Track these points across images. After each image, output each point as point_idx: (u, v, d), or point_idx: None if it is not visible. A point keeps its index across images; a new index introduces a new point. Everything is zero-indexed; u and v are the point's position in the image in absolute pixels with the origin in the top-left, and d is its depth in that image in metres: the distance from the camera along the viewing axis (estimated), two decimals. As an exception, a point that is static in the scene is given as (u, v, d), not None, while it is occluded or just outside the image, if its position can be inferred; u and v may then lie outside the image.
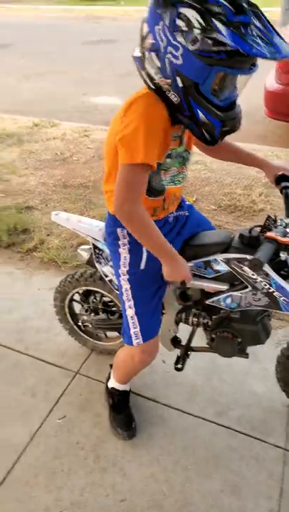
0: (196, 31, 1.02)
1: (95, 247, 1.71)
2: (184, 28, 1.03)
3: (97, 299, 1.96)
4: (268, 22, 1.04)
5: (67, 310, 2.05)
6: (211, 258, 1.46)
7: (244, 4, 1.02)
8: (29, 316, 2.35)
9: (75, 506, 1.52)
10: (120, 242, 1.46)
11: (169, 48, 1.07)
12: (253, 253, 1.37)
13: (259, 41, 1.00)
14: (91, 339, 2.10)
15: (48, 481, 1.60)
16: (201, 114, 1.14)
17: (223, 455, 1.67)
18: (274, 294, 1.36)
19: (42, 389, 1.95)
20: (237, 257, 1.40)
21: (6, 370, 2.05)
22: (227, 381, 1.96)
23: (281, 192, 1.47)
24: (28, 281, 2.63)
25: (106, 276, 1.70)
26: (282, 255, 1.29)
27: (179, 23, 1.03)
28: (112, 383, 1.76)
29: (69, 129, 4.86)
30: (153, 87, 1.16)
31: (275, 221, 1.38)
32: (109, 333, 2.08)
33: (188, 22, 1.02)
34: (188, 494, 1.55)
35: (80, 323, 2.04)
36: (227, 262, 1.42)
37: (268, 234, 1.24)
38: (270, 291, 1.36)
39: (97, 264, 1.72)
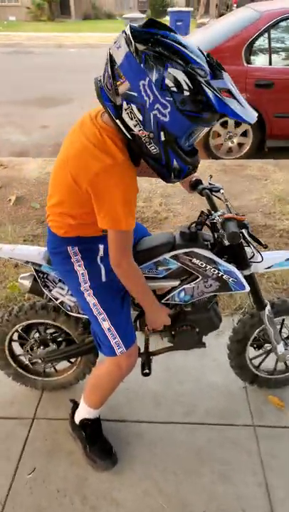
0: (186, 93, 1.07)
1: (37, 272, 1.65)
2: (174, 89, 1.07)
3: (41, 331, 1.87)
4: (234, 85, 1.16)
5: (7, 353, 1.90)
6: (160, 258, 1.57)
7: (218, 69, 1.14)
8: None
9: None
10: (73, 260, 1.45)
11: (157, 105, 1.08)
12: (196, 246, 1.55)
13: (236, 105, 1.11)
14: (40, 378, 1.98)
15: (39, 540, 1.46)
16: (175, 163, 1.20)
17: (203, 450, 1.73)
18: (223, 277, 1.54)
19: (0, 448, 1.76)
20: (185, 252, 1.54)
21: None
22: (185, 381, 2.04)
23: (201, 194, 1.67)
24: None
25: (56, 299, 1.66)
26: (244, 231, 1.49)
27: (168, 82, 1.06)
28: (83, 414, 1.69)
29: None
30: (129, 136, 1.17)
31: (208, 215, 1.56)
32: (59, 366, 1.99)
33: (177, 83, 1.06)
34: (184, 497, 1.57)
35: (26, 363, 1.91)
36: (176, 258, 1.55)
37: (227, 215, 1.45)
38: (219, 275, 1.53)
39: (44, 290, 1.66)
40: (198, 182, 1.70)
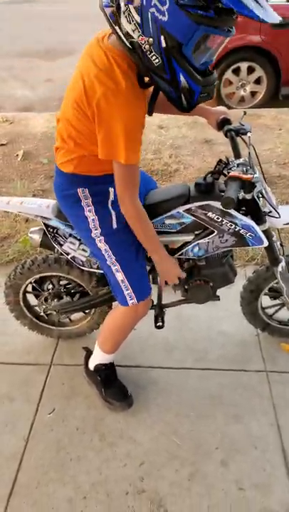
0: None
1: (47, 226, 1.62)
2: None
3: (54, 283, 1.88)
4: None
5: (22, 304, 1.93)
6: (173, 212, 1.50)
7: None
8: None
9: (97, 486, 1.50)
10: (83, 204, 1.40)
11: (154, 1, 0.96)
12: (212, 199, 1.45)
13: (252, 2, 0.96)
14: (55, 327, 2.03)
15: (60, 474, 1.55)
16: (182, 78, 1.08)
17: (215, 394, 1.78)
18: (240, 232, 1.47)
19: (20, 391, 1.83)
20: (200, 205, 1.46)
21: (-28, 384, 1.88)
22: (196, 329, 2.06)
23: (226, 135, 1.53)
24: None
25: (67, 254, 1.64)
26: (248, 195, 1.38)
27: None
28: (97, 360, 1.73)
29: None
30: (129, 45, 1.06)
31: (226, 164, 1.46)
32: (74, 316, 2.02)
33: None
34: (198, 437, 1.63)
35: (41, 314, 1.95)
36: (190, 212, 1.48)
37: (232, 173, 1.30)
38: (236, 230, 1.47)
39: (55, 244, 1.64)
40: (226, 121, 1.55)
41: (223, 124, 1.56)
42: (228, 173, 1.38)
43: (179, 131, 3.97)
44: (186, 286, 1.66)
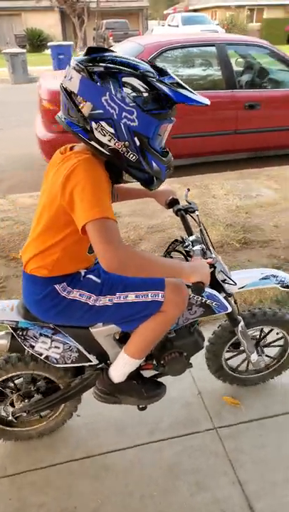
0: (145, 94, 1.20)
1: (15, 330, 1.55)
2: (133, 94, 1.19)
3: (17, 384, 1.75)
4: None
5: None
6: None
7: (162, 69, 1.28)
8: None
9: None
10: (63, 295, 1.44)
11: (124, 114, 1.19)
12: None
13: (187, 93, 1.22)
14: (16, 429, 1.83)
15: None
16: (154, 165, 1.29)
17: (174, 464, 1.76)
18: (207, 302, 1.59)
19: None
20: None
21: None
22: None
23: (176, 214, 1.70)
24: None
25: (40, 354, 1.58)
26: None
27: (126, 90, 1.19)
28: (129, 368, 1.60)
29: None
30: (107, 153, 1.25)
31: (182, 242, 1.60)
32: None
33: (134, 88, 1.19)
34: (167, 516, 1.57)
35: (8, 418, 1.76)
36: None
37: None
38: (203, 301, 1.59)
39: (26, 348, 1.57)
40: (175, 201, 1.74)
41: (172, 204, 1.73)
42: (186, 250, 1.55)
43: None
44: (161, 362, 1.68)
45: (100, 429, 1.91)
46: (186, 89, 1.24)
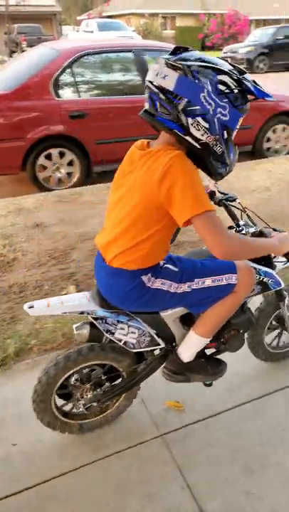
0: (236, 91, 1.32)
1: (95, 319, 1.61)
2: (227, 91, 1.31)
3: (91, 373, 1.77)
4: None
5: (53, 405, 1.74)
6: None
7: (240, 68, 1.38)
8: None
9: None
10: (150, 284, 1.50)
11: (219, 109, 1.30)
12: None
13: (264, 90, 1.35)
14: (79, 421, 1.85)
15: None
16: (232, 156, 1.42)
17: (123, 480, 1.70)
18: (264, 280, 1.73)
19: None
20: None
21: None
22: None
23: (219, 205, 1.81)
24: None
25: (120, 340, 1.63)
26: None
27: (221, 87, 1.30)
28: (198, 347, 1.70)
29: None
30: (199, 147, 1.34)
31: (237, 227, 1.73)
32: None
33: (227, 85, 1.31)
34: (119, 537, 1.51)
35: (79, 410, 1.80)
36: None
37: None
38: (260, 279, 1.72)
39: (108, 335, 1.62)
40: (213, 193, 1.86)
41: (210, 196, 1.82)
42: (243, 231, 1.72)
43: (5, 219, 3.93)
44: (221, 340, 1.76)
45: (39, 455, 1.79)
46: (260, 86, 1.38)
